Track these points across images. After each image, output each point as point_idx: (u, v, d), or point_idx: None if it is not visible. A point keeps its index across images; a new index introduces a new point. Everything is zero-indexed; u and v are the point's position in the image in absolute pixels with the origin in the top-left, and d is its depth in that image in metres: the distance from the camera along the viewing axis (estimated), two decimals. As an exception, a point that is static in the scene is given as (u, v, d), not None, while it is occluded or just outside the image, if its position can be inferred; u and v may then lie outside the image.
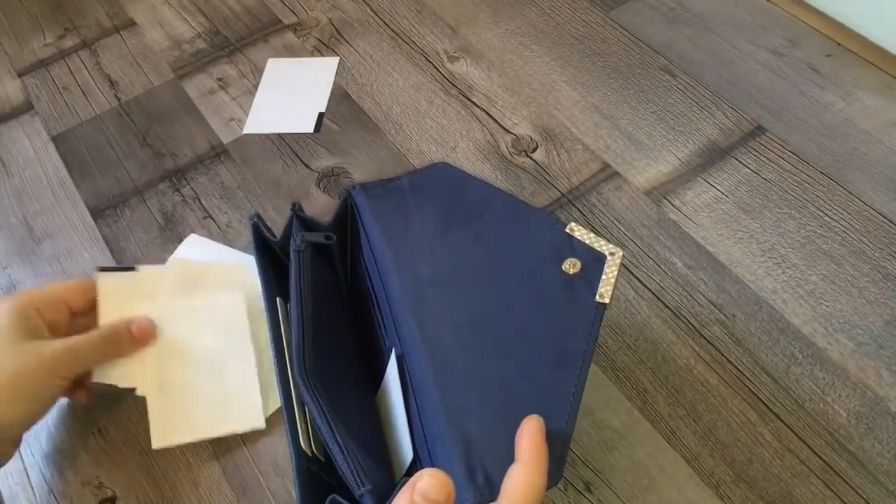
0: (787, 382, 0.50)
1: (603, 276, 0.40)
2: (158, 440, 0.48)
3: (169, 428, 0.48)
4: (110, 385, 0.48)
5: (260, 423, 0.49)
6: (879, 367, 0.50)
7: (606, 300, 0.40)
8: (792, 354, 0.51)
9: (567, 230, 0.42)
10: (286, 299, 0.47)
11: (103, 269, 0.51)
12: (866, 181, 0.60)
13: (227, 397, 0.49)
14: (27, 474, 0.49)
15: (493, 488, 0.34)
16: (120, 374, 0.48)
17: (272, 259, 0.50)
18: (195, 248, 0.59)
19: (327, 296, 0.46)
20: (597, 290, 0.40)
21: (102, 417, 0.51)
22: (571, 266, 0.41)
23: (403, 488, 0.31)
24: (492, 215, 0.45)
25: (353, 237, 0.49)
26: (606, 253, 0.41)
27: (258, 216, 0.47)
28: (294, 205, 0.46)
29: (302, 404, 0.42)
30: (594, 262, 0.41)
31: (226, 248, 0.59)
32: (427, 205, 0.46)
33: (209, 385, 0.49)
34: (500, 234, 0.44)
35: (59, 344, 0.45)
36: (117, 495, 0.48)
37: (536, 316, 0.40)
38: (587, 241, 0.42)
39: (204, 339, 0.51)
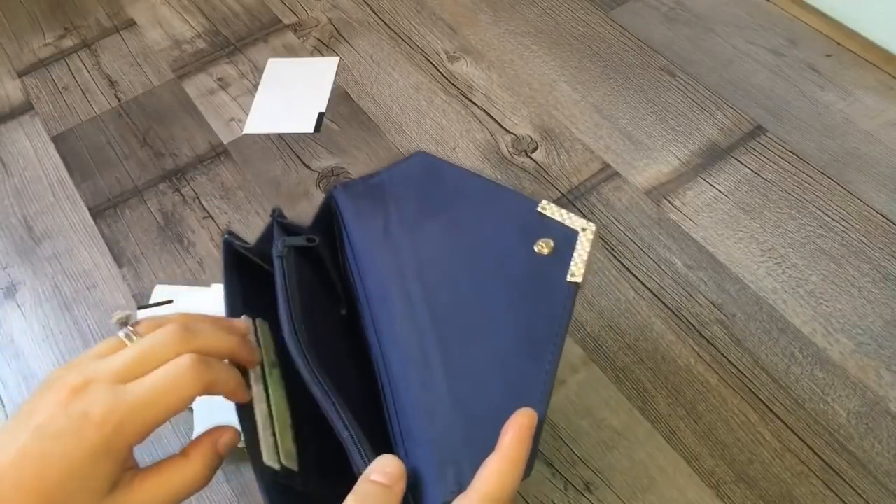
0: (787, 382, 0.50)
1: (574, 254, 0.39)
2: None
3: None
4: None
5: None
6: (879, 367, 0.50)
7: (578, 279, 0.38)
8: (792, 354, 0.51)
9: (539, 209, 0.41)
10: (254, 315, 0.45)
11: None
12: (866, 181, 0.60)
13: None
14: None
15: (463, 486, 0.33)
16: None
17: (245, 279, 0.47)
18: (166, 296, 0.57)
19: (316, 300, 0.45)
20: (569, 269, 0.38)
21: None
22: (545, 246, 0.40)
23: (357, 481, 0.32)
24: (465, 201, 0.43)
25: (340, 238, 0.48)
26: (578, 229, 0.39)
27: (230, 233, 0.44)
28: (274, 210, 0.44)
29: (268, 416, 0.40)
30: (566, 240, 0.39)
31: (194, 288, 0.57)
32: (405, 198, 0.45)
33: None
34: (474, 221, 0.42)
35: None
36: (117, 495, 0.48)
37: (508, 303, 0.39)
38: (558, 219, 0.40)
39: None
